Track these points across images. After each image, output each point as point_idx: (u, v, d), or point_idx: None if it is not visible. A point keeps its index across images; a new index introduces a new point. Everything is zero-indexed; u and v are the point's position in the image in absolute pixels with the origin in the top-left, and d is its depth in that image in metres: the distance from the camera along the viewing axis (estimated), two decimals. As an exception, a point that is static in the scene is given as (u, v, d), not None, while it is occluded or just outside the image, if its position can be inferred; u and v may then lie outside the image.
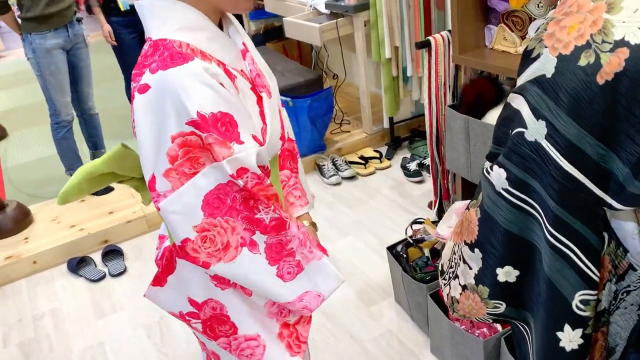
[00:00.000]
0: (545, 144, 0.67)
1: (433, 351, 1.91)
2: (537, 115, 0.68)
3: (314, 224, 1.24)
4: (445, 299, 0.94)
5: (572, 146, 0.65)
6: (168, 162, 0.91)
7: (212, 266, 0.96)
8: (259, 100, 1.05)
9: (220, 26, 1.04)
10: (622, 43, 0.60)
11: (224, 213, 0.93)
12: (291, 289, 1.02)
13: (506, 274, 0.81)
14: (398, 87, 3.15)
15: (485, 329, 1.71)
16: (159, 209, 0.94)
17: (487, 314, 0.87)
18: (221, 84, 0.92)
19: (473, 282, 0.85)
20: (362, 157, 3.27)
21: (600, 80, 0.61)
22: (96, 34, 3.37)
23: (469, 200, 1.20)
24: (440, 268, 0.98)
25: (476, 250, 0.83)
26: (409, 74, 3.00)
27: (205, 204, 0.92)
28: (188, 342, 2.13)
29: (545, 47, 0.68)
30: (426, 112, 2.30)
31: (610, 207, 0.68)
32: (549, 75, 0.66)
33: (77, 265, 2.67)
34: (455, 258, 0.90)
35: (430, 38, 2.16)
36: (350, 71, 3.84)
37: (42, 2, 2.83)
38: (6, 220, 2.89)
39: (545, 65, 0.67)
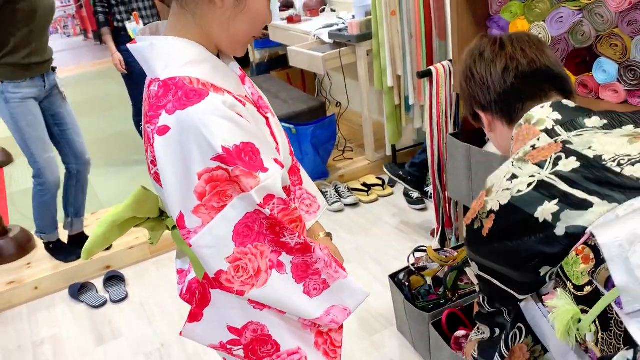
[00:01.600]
0: (482, 274, 1.06)
1: (435, 381, 1.89)
2: (471, 258, 1.08)
3: (328, 234, 1.25)
4: None
5: (496, 272, 1.01)
6: (196, 199, 0.92)
7: (246, 293, 0.97)
8: (267, 121, 1.07)
9: (217, 56, 1.05)
10: (490, 212, 0.98)
11: (253, 239, 0.95)
12: (317, 304, 1.04)
13: None
14: (400, 116, 3.18)
15: (488, 359, 1.70)
16: (190, 246, 0.95)
17: None
18: (239, 114, 0.94)
19: None
20: (364, 184, 3.28)
21: (484, 233, 0.98)
22: (103, 62, 3.41)
23: None
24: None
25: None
26: (411, 102, 3.03)
27: (236, 234, 0.94)
28: (188, 370, 2.12)
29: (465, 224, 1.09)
30: (428, 141, 2.32)
31: (518, 300, 1.00)
32: (468, 238, 1.05)
33: (79, 291, 2.67)
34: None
35: (431, 68, 2.19)
36: (353, 99, 3.88)
37: (23, 52, 2.48)
38: (9, 245, 2.89)
39: (464, 234, 1.07)
